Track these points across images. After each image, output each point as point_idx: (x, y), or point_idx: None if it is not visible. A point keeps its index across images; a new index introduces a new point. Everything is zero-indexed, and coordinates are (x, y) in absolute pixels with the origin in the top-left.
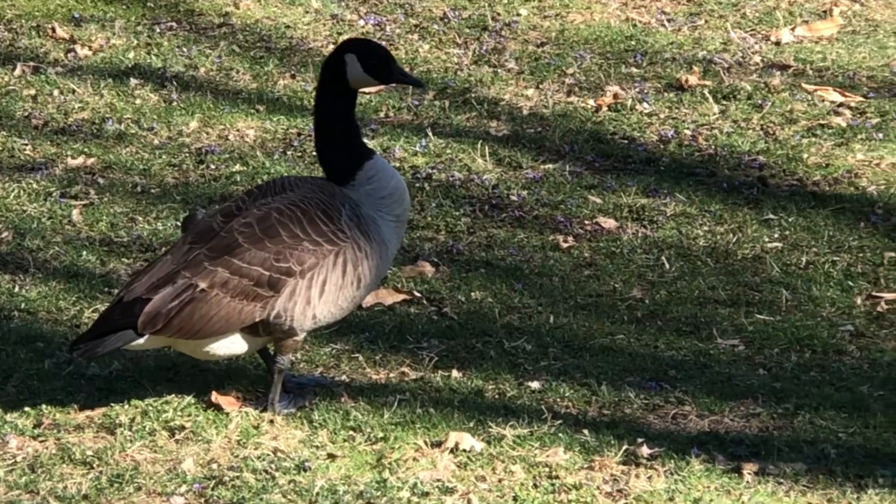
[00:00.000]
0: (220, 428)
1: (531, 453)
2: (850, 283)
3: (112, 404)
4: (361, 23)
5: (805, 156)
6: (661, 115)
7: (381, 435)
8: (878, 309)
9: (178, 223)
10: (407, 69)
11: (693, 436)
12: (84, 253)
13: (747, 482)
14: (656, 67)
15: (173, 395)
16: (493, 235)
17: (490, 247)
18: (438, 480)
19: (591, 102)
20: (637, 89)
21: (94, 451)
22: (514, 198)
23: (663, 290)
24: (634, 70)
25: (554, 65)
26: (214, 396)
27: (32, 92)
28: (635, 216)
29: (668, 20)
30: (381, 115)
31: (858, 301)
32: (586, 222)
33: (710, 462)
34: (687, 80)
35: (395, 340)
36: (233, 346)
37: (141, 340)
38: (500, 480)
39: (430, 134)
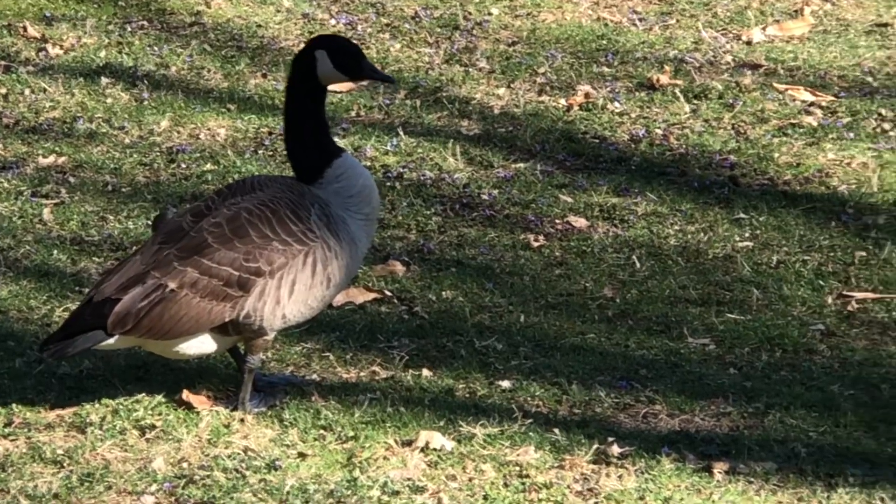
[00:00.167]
0: (191, 427)
1: (501, 452)
2: (821, 282)
3: (83, 403)
4: (333, 22)
5: (776, 155)
6: (633, 115)
7: (351, 434)
8: (849, 308)
9: (149, 222)
10: (378, 68)
11: (663, 435)
12: (55, 252)
13: (718, 481)
14: (627, 67)
15: (144, 394)
16: (464, 234)
17: (461, 246)
18: (409, 479)
19: (563, 102)
20: (608, 88)
21: (65, 450)
22: (485, 197)
23: (634, 290)
24: (606, 69)
25: (525, 64)
26: (185, 395)
27: (3, 91)
28: (606, 215)
29: (640, 19)
30: (353, 114)
31: (829, 300)
32: (557, 221)
33: (680, 461)
34: (658, 80)
35: (366, 339)
36: (203, 345)
37: (111, 340)
38: (470, 479)
39: (402, 133)
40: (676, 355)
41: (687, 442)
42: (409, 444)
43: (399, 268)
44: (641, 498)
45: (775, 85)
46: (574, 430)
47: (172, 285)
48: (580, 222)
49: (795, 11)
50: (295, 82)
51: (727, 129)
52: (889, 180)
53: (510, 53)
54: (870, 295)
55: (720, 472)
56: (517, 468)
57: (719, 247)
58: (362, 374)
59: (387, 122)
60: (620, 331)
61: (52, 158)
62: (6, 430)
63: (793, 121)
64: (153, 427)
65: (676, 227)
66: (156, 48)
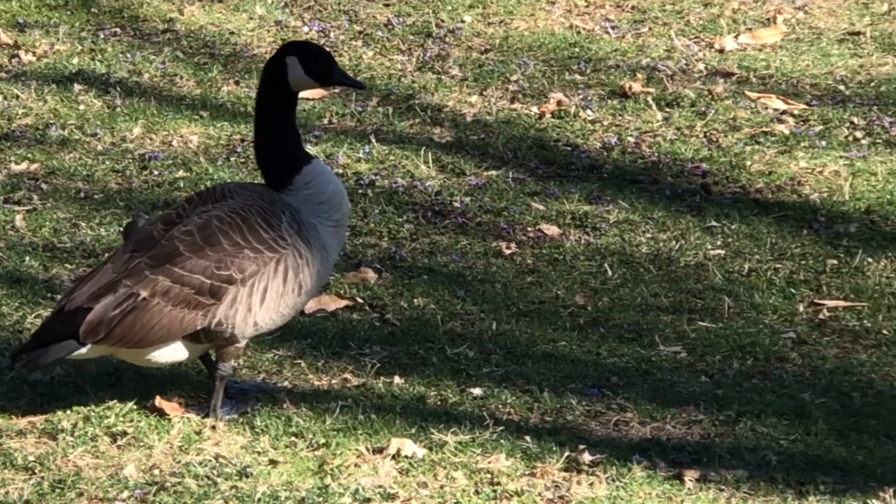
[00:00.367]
0: (162, 434)
1: (473, 459)
2: (793, 290)
3: (54, 410)
4: (306, 29)
5: (748, 163)
6: (605, 123)
7: (322, 441)
8: (821, 316)
9: (122, 229)
10: (350, 75)
11: (635, 442)
12: (27, 258)
13: (689, 489)
14: (600, 74)
15: (115, 401)
16: (436, 242)
17: (433, 253)
18: (380, 486)
19: (535, 109)
20: (581, 96)
21: (36, 457)
22: (457, 204)
23: (606, 297)
24: (578, 77)
25: (498, 72)
26: (158, 401)
27: None
28: (578, 223)
29: (612, 27)
30: (325, 121)
31: (801, 308)
32: (529, 229)
33: (651, 469)
34: (630, 88)
35: (338, 346)
36: (175, 353)
37: (83, 350)
38: (441, 487)
39: (374, 140)
40: (648, 363)
41: (658, 450)
42: (380, 451)
43: (371, 275)
44: None
45: (748, 93)
46: (545, 438)
47: (144, 294)
48: (552, 230)
49: (768, 20)
50: (266, 89)
51: (699, 137)
52: (861, 189)
53: (483, 61)
54: (841, 303)
55: (691, 480)
56: (488, 475)
57: (691, 255)
58: (334, 381)
59: (359, 129)
60: (592, 338)
61: (24, 165)
62: None
63: (765, 129)
64: (124, 434)
65: (648, 235)
66: (128, 55)
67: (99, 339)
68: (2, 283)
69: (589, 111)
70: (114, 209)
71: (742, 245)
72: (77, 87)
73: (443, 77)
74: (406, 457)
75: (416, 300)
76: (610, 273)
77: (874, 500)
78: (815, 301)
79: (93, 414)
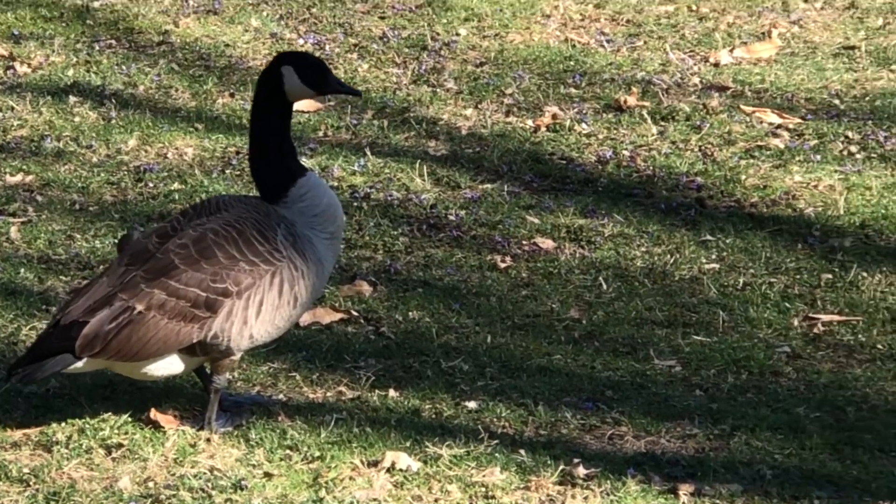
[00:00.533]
0: (157, 446)
1: (467, 473)
2: (787, 304)
3: (49, 422)
4: (301, 42)
5: (743, 177)
6: (600, 136)
7: (317, 454)
8: (815, 331)
9: (116, 241)
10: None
11: (629, 456)
12: (22, 270)
13: (683, 503)
14: (595, 88)
15: (110, 413)
16: (431, 255)
17: (428, 266)
18: (375, 500)
19: (530, 123)
20: (576, 110)
21: (31, 469)
22: (452, 217)
23: (600, 311)
24: (573, 90)
25: (493, 85)
26: (153, 413)
27: None
28: (573, 237)
29: (608, 41)
30: (320, 134)
31: (795, 323)
32: (524, 242)
33: (646, 483)
34: (626, 101)
35: (333, 359)
36: (171, 366)
37: (79, 364)
38: (436, 500)
39: (369, 153)
40: (642, 377)
41: (653, 463)
42: (375, 464)
43: (366, 288)
44: None
45: (742, 107)
46: (540, 451)
47: (140, 307)
48: (547, 243)
49: (763, 34)
50: (261, 99)
51: (694, 150)
52: (855, 203)
53: (478, 74)
54: (836, 317)
55: (686, 494)
56: (483, 489)
57: (686, 268)
58: (329, 394)
59: (354, 142)
60: (587, 352)
61: (19, 177)
62: None
63: (760, 143)
64: (119, 446)
65: (643, 249)
66: (124, 67)
67: (95, 352)
68: None
69: (584, 125)
70: (109, 221)
71: (737, 259)
72: (72, 98)
73: (438, 90)
74: (401, 470)
75: (410, 313)
76: (605, 287)
77: None
78: (810, 315)
79: (87, 426)
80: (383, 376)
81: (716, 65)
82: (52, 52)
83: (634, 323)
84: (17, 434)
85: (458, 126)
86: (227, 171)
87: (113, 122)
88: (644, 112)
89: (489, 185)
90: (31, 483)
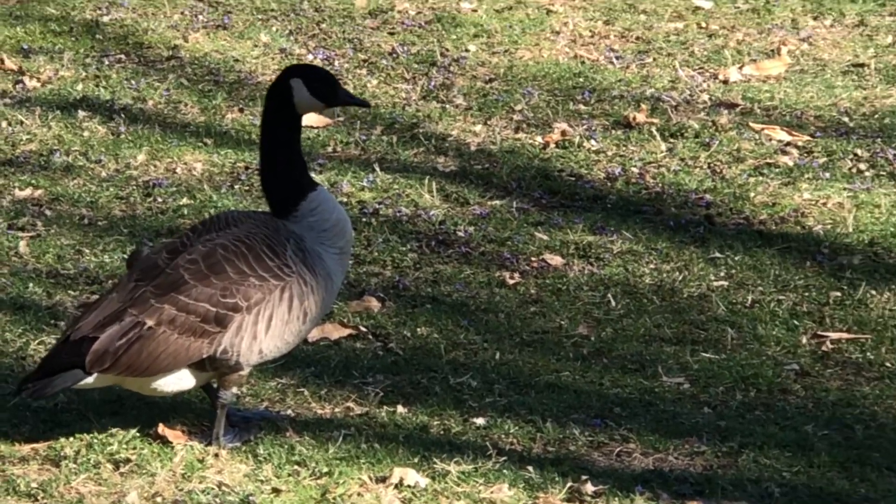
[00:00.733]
0: (165, 461)
1: (475, 489)
2: (796, 322)
3: (57, 436)
4: (310, 57)
5: (752, 195)
6: (609, 153)
7: (325, 470)
8: (824, 348)
9: (125, 256)
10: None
11: (637, 473)
12: (30, 285)
13: None
14: (604, 105)
15: (118, 428)
16: (440, 271)
17: (436, 282)
18: None
19: (539, 139)
20: (585, 126)
21: (39, 484)
22: (460, 234)
23: (609, 328)
24: (582, 107)
25: (502, 101)
26: (161, 428)
27: None
28: (582, 253)
29: (617, 58)
30: (329, 149)
31: (804, 340)
32: (533, 259)
33: (654, 500)
34: (635, 118)
35: (341, 375)
36: (181, 381)
37: (90, 379)
38: None
39: (378, 169)
40: (651, 394)
41: (661, 481)
42: (383, 480)
43: (374, 304)
44: None
45: (752, 124)
46: (548, 468)
47: (150, 322)
48: (556, 260)
49: (772, 51)
50: (270, 113)
51: (703, 168)
52: (864, 221)
53: (487, 90)
54: (844, 335)
55: None
56: None
57: (694, 286)
58: (337, 409)
59: (363, 157)
60: (595, 369)
61: (28, 191)
62: None
63: (769, 160)
64: (127, 461)
65: (652, 266)
66: (133, 82)
67: (105, 368)
68: (5, 310)
69: (593, 141)
70: (117, 236)
71: (745, 276)
72: (81, 113)
73: (447, 106)
74: (409, 486)
75: (419, 329)
76: (613, 304)
77: None
78: (819, 333)
79: (96, 441)
80: (391, 392)
81: (725, 82)
82: (62, 67)
83: (643, 340)
84: (26, 448)
85: (467, 142)
86: (237, 187)
87: (122, 136)
88: (653, 129)
89: (498, 202)
90: (39, 498)
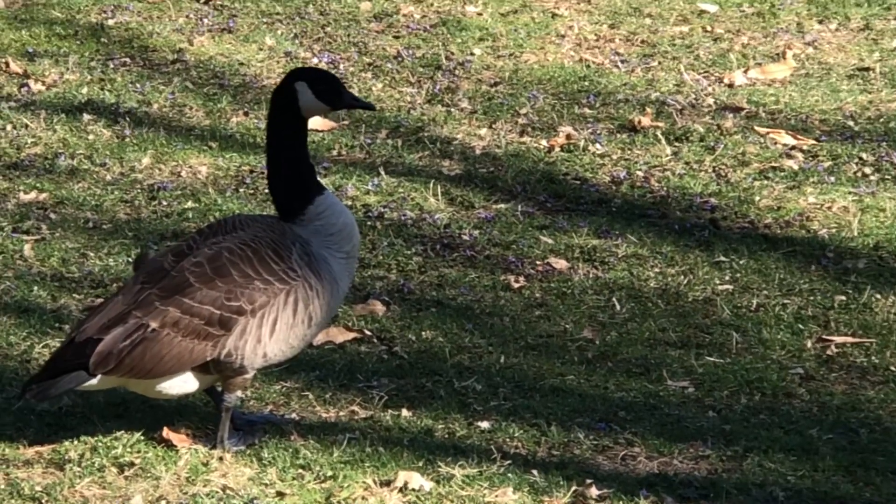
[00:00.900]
0: (170, 464)
1: (480, 493)
2: (801, 326)
3: (61, 440)
4: (315, 60)
5: (757, 198)
6: (614, 156)
7: (330, 473)
8: (829, 352)
9: (130, 259)
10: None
11: (642, 477)
12: (35, 288)
13: None
14: (609, 108)
15: (123, 432)
16: (445, 275)
17: (441, 286)
18: None
19: (544, 143)
20: (590, 130)
21: (43, 487)
22: (465, 237)
23: (614, 332)
24: (587, 111)
25: (507, 105)
26: (166, 432)
27: None
28: (587, 257)
29: (622, 61)
30: (334, 153)
31: (809, 344)
32: (538, 263)
33: None
34: (640, 122)
35: (345, 379)
36: (185, 384)
37: (93, 381)
38: None
39: (383, 172)
40: (655, 398)
41: (665, 485)
42: (387, 484)
43: (379, 307)
44: None
45: (757, 128)
46: (553, 472)
47: (154, 325)
48: (561, 264)
49: (777, 55)
50: (276, 117)
51: (708, 171)
52: (869, 224)
53: (492, 94)
54: (849, 339)
55: None
56: None
57: (699, 290)
58: (341, 413)
59: (368, 161)
60: (600, 373)
61: (33, 195)
62: None
63: (774, 164)
64: (132, 464)
65: (657, 270)
66: (138, 85)
67: (109, 370)
68: (10, 313)
69: (598, 145)
70: (122, 239)
71: (750, 280)
72: (86, 116)
73: (452, 110)
74: (413, 490)
75: (424, 333)
76: (618, 307)
77: None
78: (824, 337)
79: (100, 444)
80: (396, 396)
81: (730, 85)
82: (67, 70)
83: (648, 344)
84: (30, 452)
85: (472, 146)
86: (241, 190)
87: (127, 140)
88: (658, 133)
89: (503, 205)
90: (43, 501)
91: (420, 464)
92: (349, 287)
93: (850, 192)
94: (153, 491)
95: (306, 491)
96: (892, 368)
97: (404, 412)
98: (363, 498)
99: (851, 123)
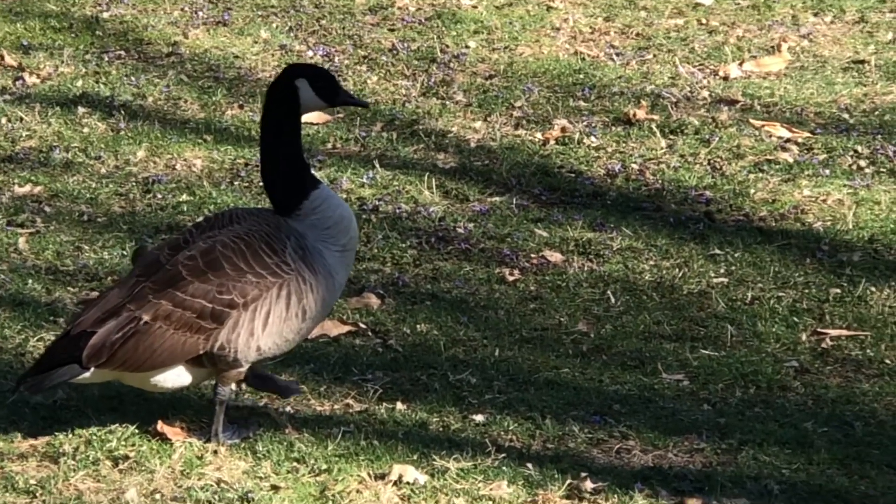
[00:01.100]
0: (164, 458)
1: (475, 486)
2: (796, 319)
3: (56, 433)
4: (310, 53)
5: (752, 191)
6: (609, 149)
7: (324, 467)
8: (823, 345)
9: (125, 252)
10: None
11: (637, 470)
12: (30, 281)
13: None
14: (604, 101)
15: (117, 425)
16: (439, 268)
17: (436, 279)
18: None
19: (539, 135)
20: (585, 123)
21: (38, 480)
22: (460, 230)
23: (609, 325)
24: (582, 103)
25: (502, 97)
26: (160, 425)
27: None
28: (581, 250)
29: (617, 54)
30: (329, 146)
31: (803, 337)
32: (532, 256)
33: (653, 497)
34: (635, 115)
35: (340, 372)
36: (178, 378)
37: (87, 374)
38: None
39: (378, 165)
40: (650, 391)
41: (660, 478)
42: (382, 477)
43: (374, 300)
44: None
45: (752, 121)
46: (547, 465)
47: (146, 318)
48: (555, 257)
49: (772, 48)
50: (273, 113)
51: (703, 164)
52: (864, 217)
53: (487, 87)
54: (844, 332)
55: None
56: (490, 502)
57: (694, 282)
58: (336, 406)
59: (363, 154)
60: (595, 366)
61: (27, 188)
62: None
63: (769, 157)
64: (126, 458)
65: (651, 263)
66: (133, 78)
67: (101, 362)
68: (4, 306)
69: (593, 138)
70: (117, 232)
71: (745, 273)
72: (81, 109)
73: (447, 102)
74: (408, 483)
75: (418, 326)
76: (613, 300)
77: None
78: (818, 330)
79: (94, 438)
80: (391, 389)
81: (725, 78)
82: (62, 63)
83: (642, 337)
84: (24, 445)
85: (467, 139)
86: (236, 183)
87: (122, 133)
88: (653, 125)
89: (498, 198)
90: (37, 494)
91: (415, 457)
92: (347, 280)
93: (845, 185)
94: (148, 484)
95: (301, 484)
96: (887, 361)
97: (399, 405)
98: (358, 491)
99: (846, 116)
